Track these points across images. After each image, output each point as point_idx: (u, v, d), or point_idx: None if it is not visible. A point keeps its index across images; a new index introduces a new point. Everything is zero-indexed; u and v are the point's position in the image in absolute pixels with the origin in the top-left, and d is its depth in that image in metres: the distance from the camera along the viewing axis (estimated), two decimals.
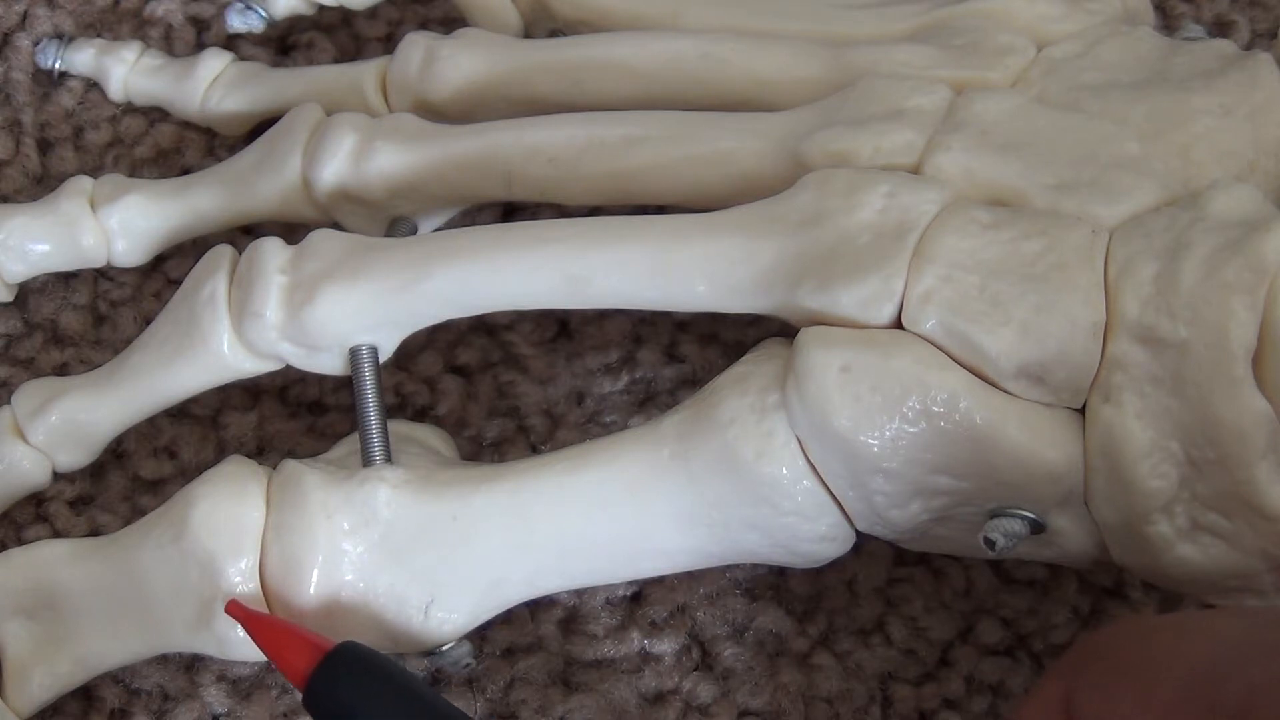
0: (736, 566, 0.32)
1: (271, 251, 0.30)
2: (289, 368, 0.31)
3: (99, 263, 0.35)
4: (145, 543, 0.28)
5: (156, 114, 0.40)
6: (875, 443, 0.26)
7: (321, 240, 0.30)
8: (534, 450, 0.34)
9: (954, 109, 0.29)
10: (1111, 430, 0.25)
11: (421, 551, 0.28)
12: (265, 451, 0.35)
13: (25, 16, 0.41)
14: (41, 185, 0.39)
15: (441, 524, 0.28)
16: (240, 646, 0.28)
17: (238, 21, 0.39)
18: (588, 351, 0.35)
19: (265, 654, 0.26)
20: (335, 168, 0.33)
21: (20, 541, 0.33)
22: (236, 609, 0.27)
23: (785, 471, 0.27)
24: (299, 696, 0.31)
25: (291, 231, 0.33)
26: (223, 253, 0.31)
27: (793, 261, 0.27)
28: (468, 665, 0.29)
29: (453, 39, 0.35)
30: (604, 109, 0.33)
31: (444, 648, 0.29)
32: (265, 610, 0.27)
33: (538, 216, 0.36)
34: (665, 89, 0.33)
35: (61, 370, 0.36)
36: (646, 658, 0.32)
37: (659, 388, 0.35)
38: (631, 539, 0.28)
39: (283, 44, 0.41)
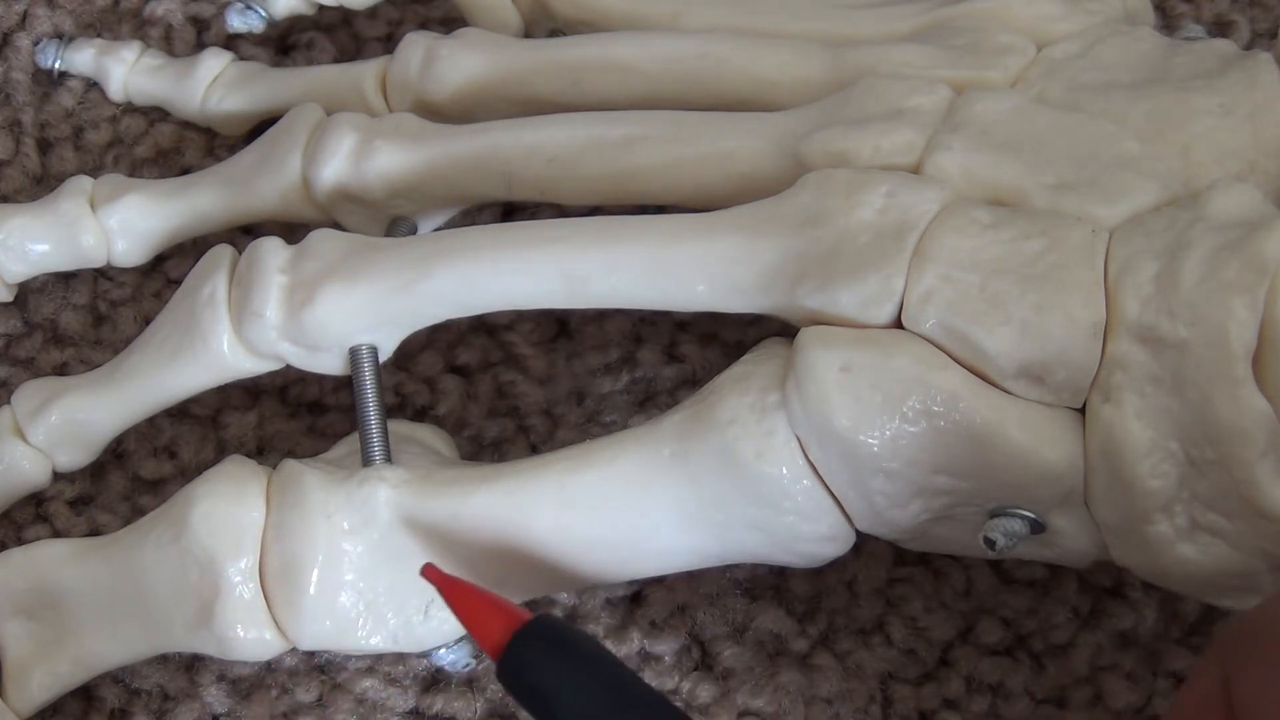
0: (736, 566, 0.32)
1: (271, 251, 0.30)
2: (289, 368, 0.31)
3: (99, 263, 0.35)
4: (145, 543, 0.28)
5: (156, 114, 0.40)
6: (875, 442, 0.26)
7: (321, 240, 0.30)
8: (534, 450, 0.34)
9: (954, 109, 0.29)
10: (1111, 430, 0.25)
11: (422, 551, 0.28)
12: (265, 451, 0.35)
13: (25, 16, 0.41)
14: (41, 185, 0.39)
15: (441, 524, 0.28)
16: (240, 646, 0.28)
17: (238, 21, 0.39)
18: (588, 351, 0.35)
19: (461, 621, 0.25)
20: (335, 167, 0.33)
21: (20, 541, 0.33)
22: (433, 572, 0.26)
23: (785, 471, 0.27)
24: (299, 696, 0.31)
25: (291, 231, 0.33)
26: (223, 253, 0.31)
27: (793, 261, 0.27)
28: (468, 665, 0.29)
29: (453, 39, 0.35)
30: (604, 109, 0.33)
31: (444, 648, 0.29)
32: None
33: (538, 216, 0.36)
34: (665, 89, 0.33)
35: (61, 370, 0.36)
36: (646, 658, 0.32)
37: (659, 388, 0.35)
38: (631, 539, 0.28)
39: (283, 44, 0.41)
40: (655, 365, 0.35)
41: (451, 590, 0.26)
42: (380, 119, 0.34)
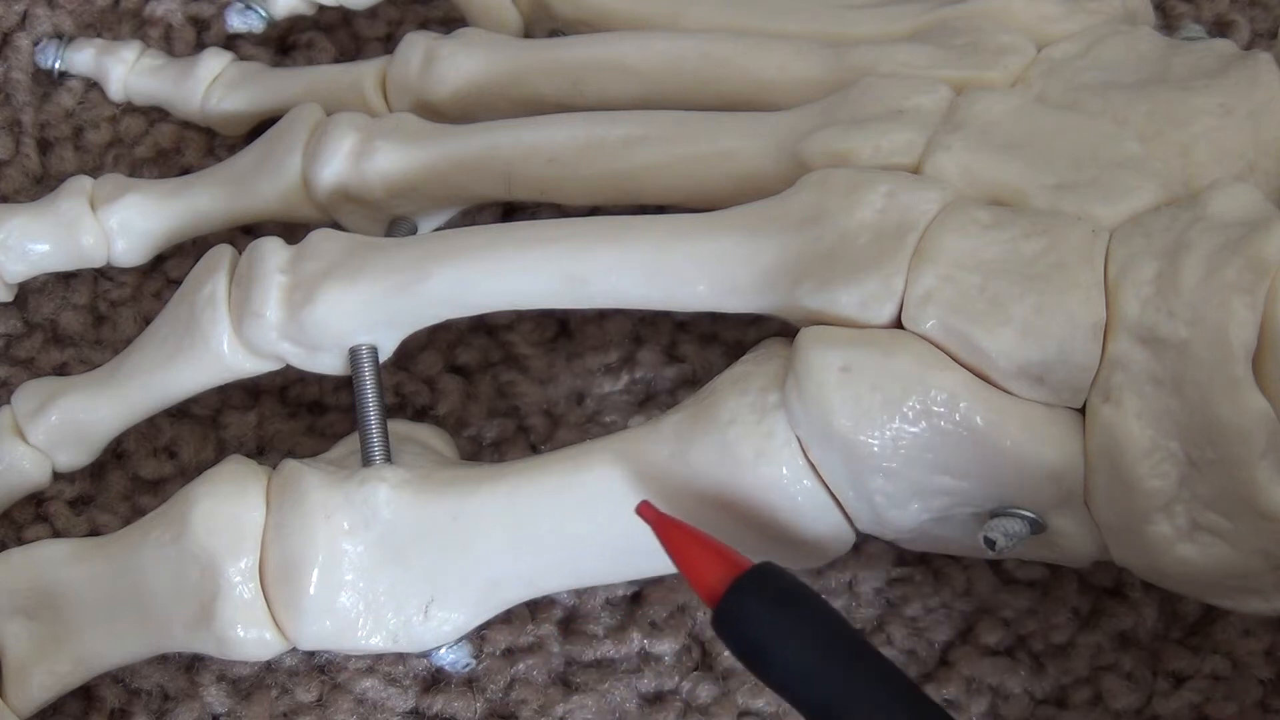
0: None
1: (271, 251, 0.30)
2: (289, 368, 0.31)
3: (99, 263, 0.35)
4: (145, 542, 0.28)
5: (156, 114, 0.40)
6: (875, 443, 0.26)
7: (321, 240, 0.30)
8: (534, 450, 0.34)
9: (954, 109, 0.29)
10: (1111, 430, 0.25)
11: (421, 551, 0.28)
12: (265, 451, 0.35)
13: (25, 16, 0.41)
14: (41, 185, 0.39)
15: (441, 524, 0.28)
16: (240, 646, 0.28)
17: (238, 21, 0.39)
18: (588, 351, 0.35)
19: (676, 564, 0.24)
20: (335, 167, 0.33)
21: (20, 541, 0.33)
22: (648, 510, 0.25)
23: (785, 471, 0.27)
24: (299, 696, 0.31)
25: (291, 231, 0.33)
26: (223, 252, 0.31)
27: (793, 261, 0.27)
28: (468, 665, 0.29)
29: (453, 39, 0.35)
30: (604, 109, 0.33)
31: (444, 648, 0.29)
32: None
33: (538, 216, 0.36)
34: (665, 89, 0.33)
35: (61, 370, 0.36)
36: (646, 658, 0.32)
37: (659, 388, 0.35)
38: (631, 539, 0.28)
39: (283, 44, 0.41)
40: (655, 365, 0.35)
41: (667, 531, 0.25)
42: (380, 119, 0.34)
